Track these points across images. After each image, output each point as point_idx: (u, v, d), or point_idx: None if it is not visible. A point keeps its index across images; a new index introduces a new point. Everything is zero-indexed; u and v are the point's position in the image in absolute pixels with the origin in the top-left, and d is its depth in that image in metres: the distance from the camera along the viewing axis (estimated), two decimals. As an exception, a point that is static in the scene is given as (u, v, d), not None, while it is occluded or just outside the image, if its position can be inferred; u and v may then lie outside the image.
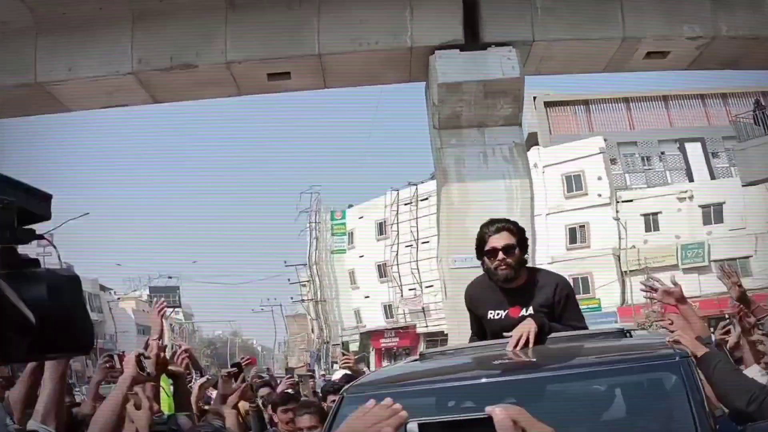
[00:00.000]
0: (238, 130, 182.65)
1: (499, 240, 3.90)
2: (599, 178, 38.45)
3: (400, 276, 44.30)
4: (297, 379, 8.58)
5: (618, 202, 38.11)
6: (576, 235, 38.43)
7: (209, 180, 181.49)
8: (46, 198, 1.31)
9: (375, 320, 46.46)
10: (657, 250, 36.64)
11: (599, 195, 38.27)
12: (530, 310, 3.78)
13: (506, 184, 16.31)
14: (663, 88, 41.72)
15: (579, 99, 43.42)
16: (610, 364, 3.11)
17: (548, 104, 42.92)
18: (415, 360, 3.86)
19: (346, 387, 3.56)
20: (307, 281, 54.51)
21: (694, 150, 41.23)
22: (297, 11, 15.30)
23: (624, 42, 16.32)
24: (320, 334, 52.51)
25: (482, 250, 3.98)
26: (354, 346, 46.54)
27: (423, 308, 42.83)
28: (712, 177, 40.04)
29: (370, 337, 46.88)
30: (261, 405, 6.00)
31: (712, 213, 37.01)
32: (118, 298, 62.26)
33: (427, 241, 39.13)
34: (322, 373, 33.28)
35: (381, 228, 46.85)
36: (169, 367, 3.74)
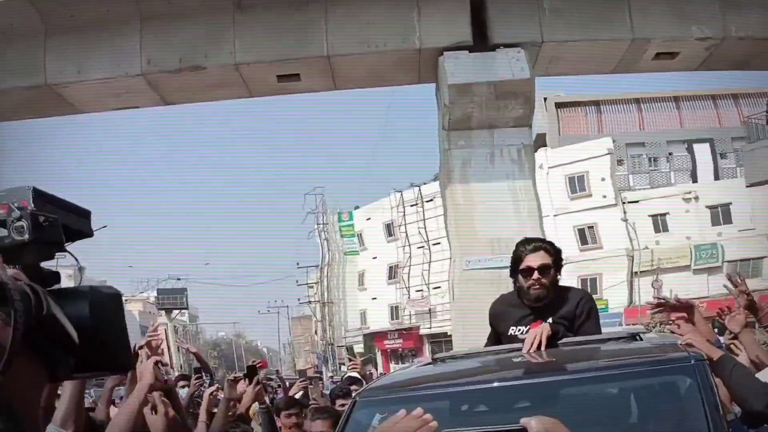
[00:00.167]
0: (247, 131, 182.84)
1: (535, 259, 3.87)
2: (603, 179, 38.37)
3: (409, 277, 44.30)
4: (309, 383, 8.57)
5: (624, 203, 37.99)
6: (586, 236, 38.34)
7: (220, 181, 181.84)
8: (86, 215, 1.31)
9: (380, 322, 46.47)
10: (670, 251, 36.70)
11: (604, 196, 38.19)
12: (549, 321, 3.76)
13: (510, 185, 16.29)
14: (675, 89, 41.57)
15: (590, 100, 43.32)
16: (625, 367, 3.09)
17: (559, 105, 42.86)
18: (428, 364, 3.84)
19: (358, 391, 3.54)
20: (316, 283, 54.50)
21: (702, 151, 41.10)
22: (305, 13, 15.31)
23: (633, 43, 16.28)
24: (324, 335, 52.53)
25: (516, 268, 3.94)
26: (358, 348, 46.57)
27: (430, 309, 42.81)
28: (717, 177, 39.91)
29: (373, 338, 46.88)
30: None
31: (721, 214, 36.94)
32: (125, 300, 62.28)
33: (438, 243, 39.11)
34: (330, 374, 33.24)
35: (389, 229, 46.86)
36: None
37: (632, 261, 37.27)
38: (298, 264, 54.94)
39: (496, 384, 3.12)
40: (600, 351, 3.48)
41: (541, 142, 37.95)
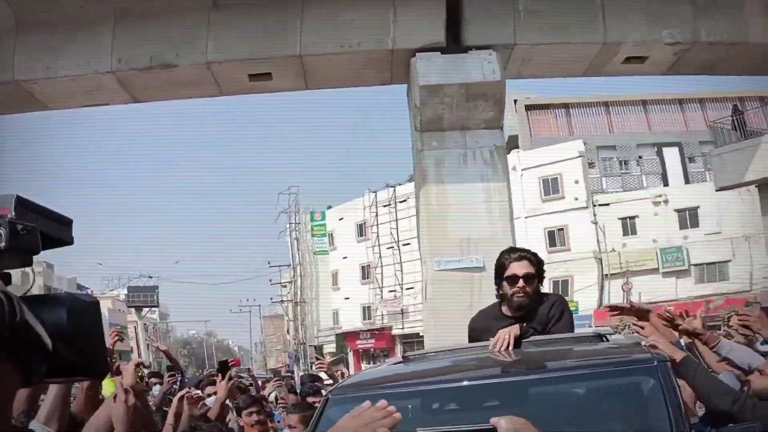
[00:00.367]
0: (220, 131, 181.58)
1: (520, 268, 3.97)
2: (576, 182, 38.64)
3: (382, 278, 44.35)
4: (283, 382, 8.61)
5: (595, 205, 38.33)
6: (555, 239, 38.59)
7: (192, 181, 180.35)
8: (68, 223, 1.33)
9: (352, 321, 46.47)
10: (638, 254, 36.98)
11: (576, 198, 38.47)
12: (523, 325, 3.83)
13: (484, 186, 16.39)
14: (643, 92, 42.03)
15: (559, 102, 43.67)
16: (590, 367, 3.16)
17: (529, 107, 43.12)
18: (399, 362, 3.89)
19: (330, 389, 3.59)
20: (289, 282, 54.39)
21: (671, 154, 41.59)
22: (280, 12, 15.28)
23: (604, 46, 16.47)
24: (296, 335, 52.44)
25: (501, 275, 4.02)
26: (330, 348, 46.54)
27: (402, 310, 42.88)
28: (687, 181, 40.41)
29: (345, 338, 46.88)
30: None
31: (688, 217, 37.33)
32: (95, 298, 61.55)
33: (408, 243, 39.20)
34: (302, 373, 33.18)
35: (361, 229, 46.87)
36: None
37: (601, 264, 37.60)
38: (269, 263, 54.96)
39: (466, 383, 3.17)
40: (567, 351, 3.54)
41: (513, 143, 38.18)
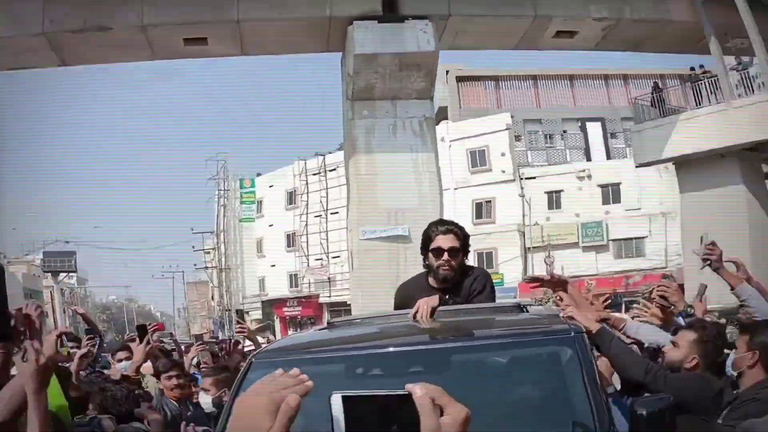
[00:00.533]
0: (146, 95, 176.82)
1: (446, 241, 4.00)
2: (503, 155, 39.09)
3: (308, 246, 44.27)
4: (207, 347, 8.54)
5: (521, 179, 38.87)
6: (482, 211, 39.06)
7: (115, 145, 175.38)
8: None
9: (279, 289, 46.36)
10: (559, 228, 37.73)
11: (503, 171, 38.95)
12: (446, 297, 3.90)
13: (413, 157, 16.53)
14: (570, 67, 42.68)
15: (489, 75, 44.02)
16: (511, 336, 3.24)
17: (460, 79, 43.37)
18: (323, 328, 3.91)
19: (254, 353, 3.59)
20: (213, 249, 53.87)
21: (594, 130, 42.42)
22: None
23: (535, 20, 16.73)
24: (221, 301, 52.11)
25: (427, 248, 4.06)
26: (257, 315, 46.39)
27: (329, 278, 42.98)
28: (609, 157, 41.33)
29: (272, 305, 46.80)
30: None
31: (611, 193, 38.19)
32: (8, 262, 59.79)
33: (337, 212, 39.18)
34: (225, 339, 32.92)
35: (291, 197, 46.58)
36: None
37: (523, 237, 38.24)
38: (192, 230, 54.36)
39: (390, 349, 3.22)
40: (488, 321, 3.62)
41: (442, 114, 38.38)
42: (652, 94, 24.88)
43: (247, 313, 47.17)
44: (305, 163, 45.21)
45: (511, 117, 39.82)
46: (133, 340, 5.85)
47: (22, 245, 60.93)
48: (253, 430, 1.02)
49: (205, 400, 5.12)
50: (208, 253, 54.98)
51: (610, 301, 4.88)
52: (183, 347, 8.76)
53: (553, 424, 2.82)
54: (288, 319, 45.72)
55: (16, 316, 2.89)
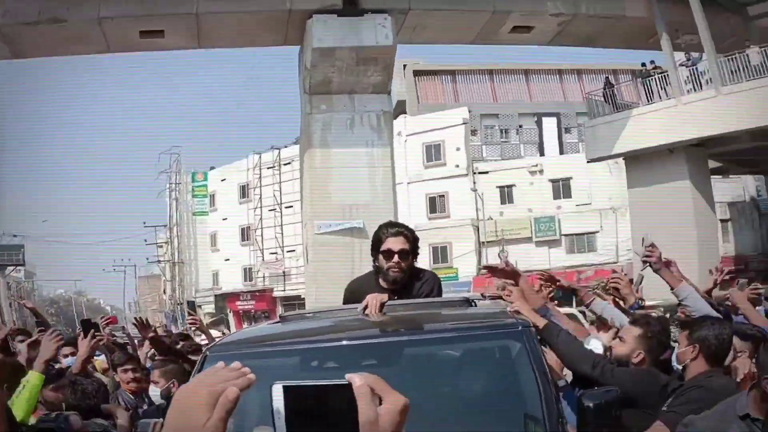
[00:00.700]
0: (97, 87, 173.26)
1: (395, 243, 4.05)
2: (458, 149, 39.19)
3: (263, 239, 44.03)
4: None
5: (474, 173, 39.07)
6: (436, 205, 39.21)
7: (65, 138, 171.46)
8: None
9: (233, 283, 46.04)
10: (513, 223, 38.00)
11: (457, 166, 39.07)
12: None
13: (368, 152, 16.57)
14: (526, 62, 42.95)
15: (447, 69, 44.18)
16: (462, 330, 3.29)
17: (417, 73, 43.46)
18: (277, 322, 3.93)
19: (209, 346, 3.60)
20: (165, 242, 53.28)
21: (549, 125, 42.88)
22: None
23: (493, 15, 16.89)
24: (173, 295, 51.58)
25: (377, 249, 4.10)
26: (209, 308, 46.02)
27: (284, 272, 42.81)
28: (562, 152, 41.80)
29: (225, 299, 46.47)
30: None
31: (561, 188, 38.52)
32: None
33: (291, 206, 39.01)
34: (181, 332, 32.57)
35: (243, 191, 46.24)
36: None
37: (477, 231, 38.49)
38: (144, 223, 53.80)
39: (344, 342, 3.26)
40: (437, 315, 3.69)
41: (400, 109, 38.44)
42: (604, 89, 25.26)
43: (200, 306, 46.75)
44: (260, 157, 44.92)
45: (469, 112, 39.99)
46: (93, 337, 5.80)
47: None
48: (190, 421, 1.02)
49: (155, 392, 5.10)
50: (161, 246, 54.39)
51: (552, 294, 5.00)
52: (136, 341, 8.69)
53: (503, 417, 2.88)
54: (242, 313, 45.45)
55: None
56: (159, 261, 54.93)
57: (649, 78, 23.32)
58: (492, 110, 42.86)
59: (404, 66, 40.26)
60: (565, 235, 37.94)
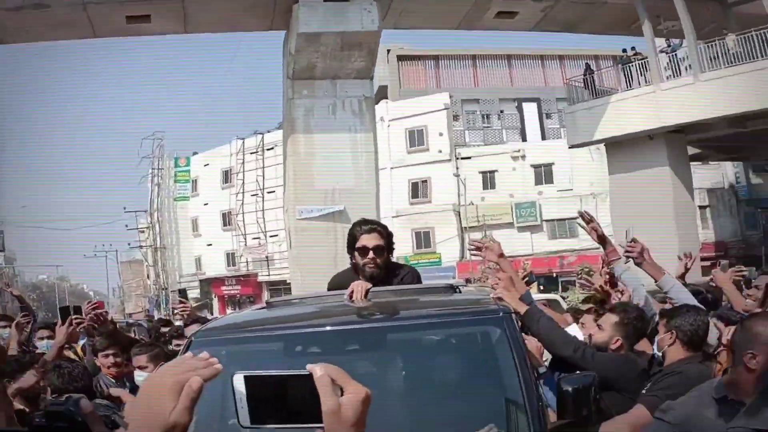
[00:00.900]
0: (80, 73, 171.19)
1: (370, 240, 4.12)
2: (440, 134, 39.20)
3: (244, 225, 43.92)
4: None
5: (457, 158, 39.12)
6: (418, 190, 39.22)
7: (48, 124, 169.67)
8: None
9: (216, 268, 45.94)
10: (494, 208, 38.10)
11: (440, 151, 39.08)
12: None
13: (351, 137, 16.57)
14: (508, 47, 42.83)
15: (430, 54, 44.09)
16: (444, 316, 3.38)
17: (401, 58, 43.34)
18: (262, 308, 3.97)
19: (194, 331, 3.63)
20: (147, 228, 53.04)
21: (530, 110, 42.93)
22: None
23: (477, 1, 16.90)
24: (156, 280, 51.39)
25: (353, 246, 4.19)
26: (194, 293, 45.87)
27: (267, 257, 42.76)
28: (543, 137, 41.89)
29: (210, 284, 46.38)
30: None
31: (543, 173, 38.68)
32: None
33: (273, 191, 38.91)
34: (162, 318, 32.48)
35: (226, 176, 46.06)
36: None
37: (459, 216, 38.58)
38: (125, 208, 53.58)
39: (328, 328, 3.31)
40: (422, 301, 3.75)
41: (382, 94, 38.35)
42: (584, 75, 25.31)
43: (185, 290, 46.62)
44: (243, 142, 44.73)
45: (450, 97, 39.96)
46: (70, 324, 5.81)
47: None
48: (156, 409, 1.05)
49: (141, 377, 5.11)
50: (143, 232, 54.14)
51: (527, 279, 5.15)
52: (118, 326, 8.71)
53: (484, 401, 2.95)
54: (227, 298, 45.42)
55: None
56: (141, 246, 54.68)
57: (630, 64, 23.41)
58: (473, 95, 42.85)
59: (388, 51, 40.14)
60: (547, 220, 38.07)
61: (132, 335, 7.36)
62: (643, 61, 22.73)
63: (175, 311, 10.23)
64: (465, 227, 37.81)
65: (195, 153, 48.66)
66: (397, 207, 36.50)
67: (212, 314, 34.17)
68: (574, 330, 4.33)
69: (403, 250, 35.12)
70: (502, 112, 43.09)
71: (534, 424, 2.63)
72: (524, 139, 41.93)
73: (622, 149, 23.60)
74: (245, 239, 44.23)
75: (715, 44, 20.68)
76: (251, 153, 43.98)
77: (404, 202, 37.81)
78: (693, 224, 24.46)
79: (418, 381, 3.09)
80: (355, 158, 16.59)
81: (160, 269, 50.65)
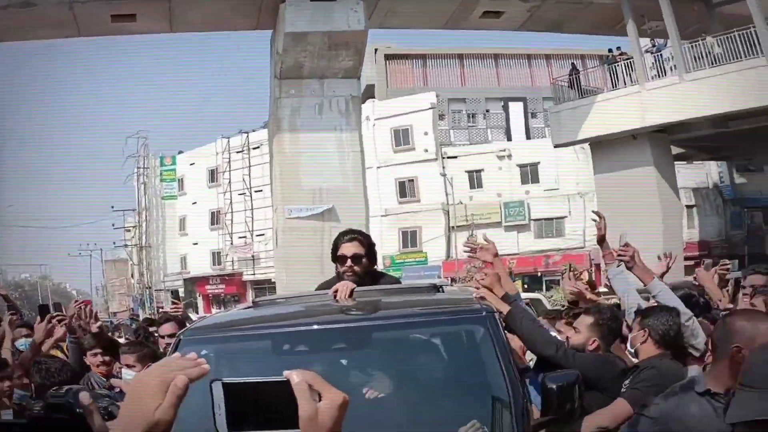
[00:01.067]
0: (64, 71, 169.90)
1: (349, 248, 4.24)
2: (426, 134, 39.19)
3: (232, 224, 43.83)
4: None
5: (443, 158, 39.15)
6: (406, 189, 39.24)
7: (32, 122, 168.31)
8: None
9: (201, 267, 45.81)
10: (482, 207, 38.13)
11: (426, 150, 39.10)
12: None
13: (337, 136, 16.58)
14: (496, 46, 42.89)
15: (417, 53, 44.12)
16: (428, 315, 3.43)
17: (388, 57, 43.35)
18: (249, 307, 3.99)
19: (183, 330, 3.65)
20: (133, 227, 52.82)
21: (516, 109, 43.02)
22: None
23: (464, 0, 16.95)
24: (141, 279, 51.22)
25: (335, 256, 4.29)
26: (180, 292, 45.76)
27: (253, 256, 42.70)
28: (528, 137, 41.99)
29: (194, 283, 46.26)
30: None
31: (530, 173, 38.73)
32: None
33: (261, 190, 38.84)
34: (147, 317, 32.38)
35: (212, 175, 45.95)
36: None
37: (447, 216, 38.62)
38: (112, 207, 53.37)
39: (315, 327, 3.35)
40: (407, 300, 3.79)
41: (369, 93, 38.34)
42: (570, 75, 25.42)
43: (177, 291, 46.47)
44: (228, 141, 44.64)
45: (436, 96, 39.99)
46: (59, 321, 5.82)
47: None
48: (142, 407, 1.07)
49: (129, 376, 5.11)
50: (129, 230, 53.92)
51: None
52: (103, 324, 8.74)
53: (470, 398, 3.00)
54: (211, 297, 45.31)
55: None
56: (126, 245, 54.46)
57: (615, 64, 23.52)
58: (459, 95, 42.91)
59: (375, 50, 40.13)
60: (534, 219, 38.16)
61: (118, 336, 7.37)
62: (628, 60, 22.84)
63: (164, 311, 10.26)
64: (453, 227, 37.88)
65: (180, 152, 48.54)
66: (386, 206, 36.54)
67: (196, 312, 34.09)
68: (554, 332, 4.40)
69: (389, 249, 35.15)
70: (487, 111, 43.17)
71: (518, 421, 2.68)
72: (509, 139, 42.01)
73: (607, 149, 23.71)
74: (231, 238, 44.15)
75: (699, 44, 20.82)
76: (237, 152, 43.88)
77: (392, 202, 37.83)
78: (679, 224, 24.61)
79: (402, 379, 3.13)
80: (341, 158, 16.60)
81: (145, 268, 50.48)
